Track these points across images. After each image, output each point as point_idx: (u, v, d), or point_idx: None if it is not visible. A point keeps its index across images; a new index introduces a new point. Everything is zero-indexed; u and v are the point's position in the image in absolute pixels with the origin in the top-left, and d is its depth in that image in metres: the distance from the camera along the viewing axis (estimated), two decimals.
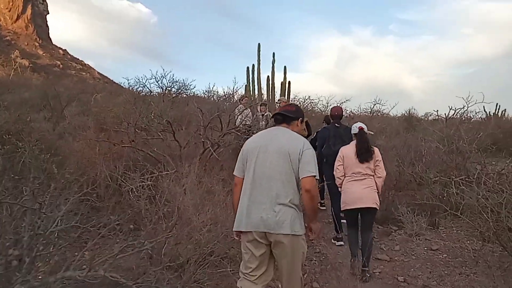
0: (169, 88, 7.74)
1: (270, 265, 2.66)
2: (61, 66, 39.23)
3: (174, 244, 3.50)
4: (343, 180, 4.20)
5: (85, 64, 44.10)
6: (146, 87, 7.73)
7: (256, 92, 14.45)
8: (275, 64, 15.09)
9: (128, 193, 4.38)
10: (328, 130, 5.33)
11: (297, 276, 2.66)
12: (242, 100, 8.57)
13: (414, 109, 13.87)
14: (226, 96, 8.09)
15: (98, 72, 43.30)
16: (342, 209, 4.32)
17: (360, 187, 4.05)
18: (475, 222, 4.74)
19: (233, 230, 2.73)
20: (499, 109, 12.75)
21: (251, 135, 6.21)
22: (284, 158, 2.58)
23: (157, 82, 7.44)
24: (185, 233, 3.56)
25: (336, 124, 5.25)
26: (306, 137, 6.56)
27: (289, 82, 14.88)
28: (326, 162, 5.05)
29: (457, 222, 5.46)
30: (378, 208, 4.20)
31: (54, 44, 44.66)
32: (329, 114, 5.84)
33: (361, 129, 4.24)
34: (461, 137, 5.88)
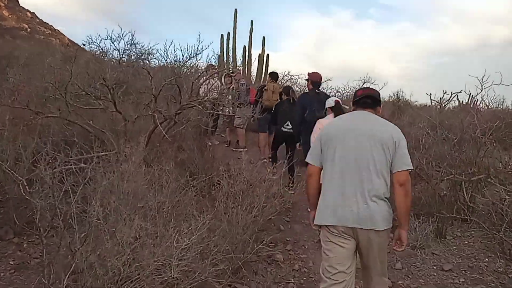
0: (127, 52, 6.23)
1: (353, 265, 2.35)
2: (28, 29, 36.08)
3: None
4: None
5: (55, 29, 40.72)
6: (99, 47, 6.18)
7: (231, 64, 12.96)
8: (252, 34, 13.60)
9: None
10: (309, 96, 5.25)
11: (385, 276, 2.45)
12: (209, 70, 7.20)
13: (403, 92, 12.71)
14: (187, 59, 6.54)
15: (69, 39, 40.12)
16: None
17: None
18: (495, 234, 3.71)
19: (315, 223, 2.43)
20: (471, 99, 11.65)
21: (221, 111, 6.01)
22: (378, 146, 2.27)
23: (112, 43, 5.91)
24: (95, 258, 2.25)
25: (316, 90, 5.24)
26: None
27: (268, 55, 13.46)
28: (308, 128, 4.83)
29: (468, 230, 4.40)
30: None
31: (21, 6, 41.03)
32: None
33: (337, 102, 4.37)
34: (476, 126, 4.73)
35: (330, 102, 4.40)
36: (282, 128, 5.77)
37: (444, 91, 7.24)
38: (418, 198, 4.53)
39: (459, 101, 9.49)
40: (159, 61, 6.27)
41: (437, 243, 4.10)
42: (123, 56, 5.90)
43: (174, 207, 3.38)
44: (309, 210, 2.70)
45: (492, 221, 4.32)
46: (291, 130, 5.72)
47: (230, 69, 9.36)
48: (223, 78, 8.06)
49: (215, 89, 6.33)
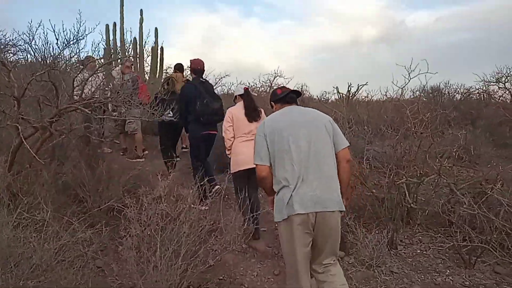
0: None
1: None
2: None
3: None
4: (232, 142, 4.05)
5: None
6: None
7: (120, 56, 11.32)
8: (143, 24, 12.14)
9: None
10: (195, 86, 4.74)
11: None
12: (86, 64, 5.78)
13: (307, 86, 12.47)
14: (64, 47, 4.81)
15: None
16: (233, 171, 4.02)
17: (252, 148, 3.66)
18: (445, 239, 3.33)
19: (277, 220, 2.38)
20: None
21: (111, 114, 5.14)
22: (323, 131, 2.44)
23: None
24: None
25: (201, 79, 4.86)
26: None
27: (162, 48, 12.12)
28: (201, 120, 4.63)
29: (414, 235, 4.00)
30: None
31: None
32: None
33: (246, 89, 4.26)
34: (409, 119, 4.36)
35: (239, 90, 4.28)
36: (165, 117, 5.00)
37: (350, 84, 6.98)
38: (363, 206, 3.99)
39: (339, 94, 9.47)
40: (27, 54, 4.63)
41: (391, 256, 3.58)
42: None
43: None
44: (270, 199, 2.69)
45: (439, 223, 4.02)
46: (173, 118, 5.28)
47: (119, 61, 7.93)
48: (114, 71, 6.72)
49: (104, 86, 5.05)
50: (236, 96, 4.31)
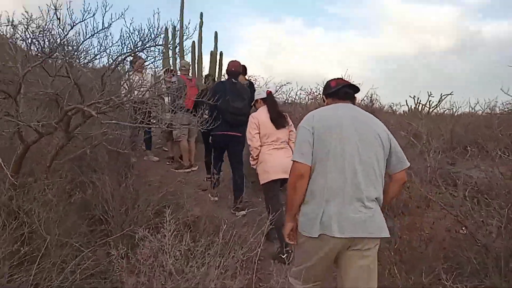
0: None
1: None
2: None
3: None
4: (259, 151, 3.75)
5: None
6: None
7: (178, 61, 10.99)
8: (202, 28, 11.73)
9: None
10: (224, 85, 4.63)
11: None
12: (135, 62, 5.32)
13: (377, 95, 10.83)
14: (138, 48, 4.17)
15: None
16: (262, 182, 3.69)
17: (283, 155, 3.62)
18: None
19: (306, 235, 1.93)
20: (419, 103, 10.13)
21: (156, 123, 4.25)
22: (376, 142, 1.98)
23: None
24: None
25: (233, 80, 4.68)
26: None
27: (221, 53, 11.59)
28: (222, 118, 4.29)
29: None
30: None
31: None
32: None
33: (269, 93, 3.99)
34: None
35: (261, 93, 3.99)
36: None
37: (429, 93, 5.80)
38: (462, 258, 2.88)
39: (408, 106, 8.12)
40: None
41: None
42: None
43: None
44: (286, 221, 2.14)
45: None
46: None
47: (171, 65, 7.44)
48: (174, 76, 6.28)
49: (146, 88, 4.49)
50: (257, 100, 4.01)
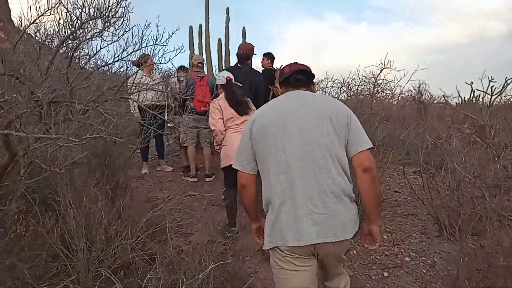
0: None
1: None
2: None
3: None
4: (224, 136, 3.63)
5: None
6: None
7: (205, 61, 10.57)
8: (229, 25, 11.20)
9: None
10: (229, 71, 4.15)
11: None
12: (146, 61, 4.90)
13: (426, 85, 9.45)
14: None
15: None
16: (222, 166, 3.60)
17: None
18: None
19: (266, 248, 1.78)
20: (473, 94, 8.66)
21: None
22: (327, 126, 1.72)
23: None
24: None
25: (238, 65, 4.44)
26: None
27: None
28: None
29: None
30: None
31: None
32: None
33: (228, 79, 3.77)
34: None
35: (221, 79, 3.82)
36: None
37: (490, 78, 4.74)
38: None
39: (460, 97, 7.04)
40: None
41: None
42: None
43: None
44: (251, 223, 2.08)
45: None
46: None
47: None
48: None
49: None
50: (217, 85, 3.89)
